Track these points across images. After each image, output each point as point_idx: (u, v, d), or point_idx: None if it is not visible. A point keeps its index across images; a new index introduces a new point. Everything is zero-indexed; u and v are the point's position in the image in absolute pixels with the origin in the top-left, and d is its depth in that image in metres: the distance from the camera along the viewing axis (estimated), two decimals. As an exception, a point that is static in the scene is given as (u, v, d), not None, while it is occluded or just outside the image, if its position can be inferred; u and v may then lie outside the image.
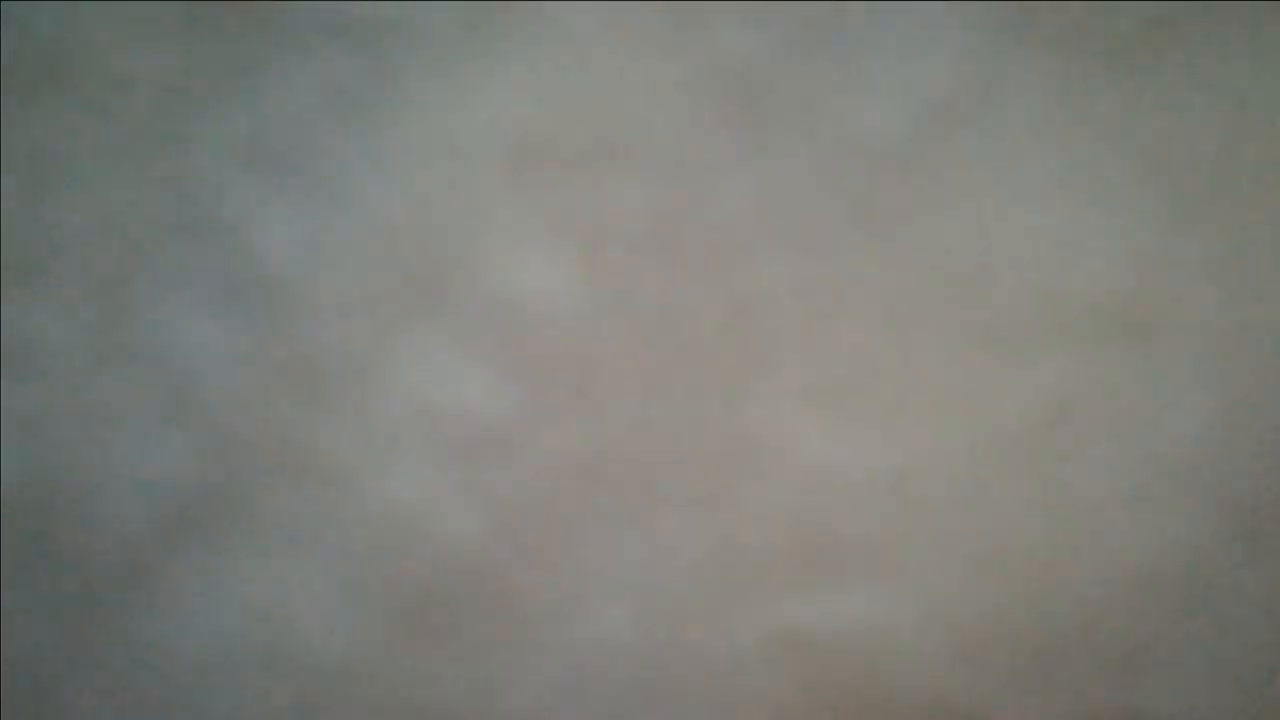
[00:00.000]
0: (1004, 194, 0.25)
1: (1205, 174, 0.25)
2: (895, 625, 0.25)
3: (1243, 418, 0.25)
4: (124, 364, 0.27)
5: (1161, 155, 0.25)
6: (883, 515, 0.25)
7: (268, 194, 0.27)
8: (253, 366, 0.27)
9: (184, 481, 0.27)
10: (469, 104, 0.27)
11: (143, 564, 0.27)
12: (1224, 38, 0.25)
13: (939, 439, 0.25)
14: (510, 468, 0.26)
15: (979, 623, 0.25)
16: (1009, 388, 0.25)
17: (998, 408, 0.25)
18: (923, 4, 0.25)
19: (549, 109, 0.26)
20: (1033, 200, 0.25)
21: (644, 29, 0.26)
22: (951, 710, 0.25)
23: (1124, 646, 0.25)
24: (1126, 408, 0.25)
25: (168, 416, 0.27)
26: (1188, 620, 0.25)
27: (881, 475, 0.25)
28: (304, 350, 0.27)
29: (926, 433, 0.25)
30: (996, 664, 0.25)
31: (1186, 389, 0.25)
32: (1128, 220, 0.25)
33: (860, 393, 0.26)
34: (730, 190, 0.26)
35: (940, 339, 0.25)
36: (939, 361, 0.26)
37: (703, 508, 0.26)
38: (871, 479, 0.25)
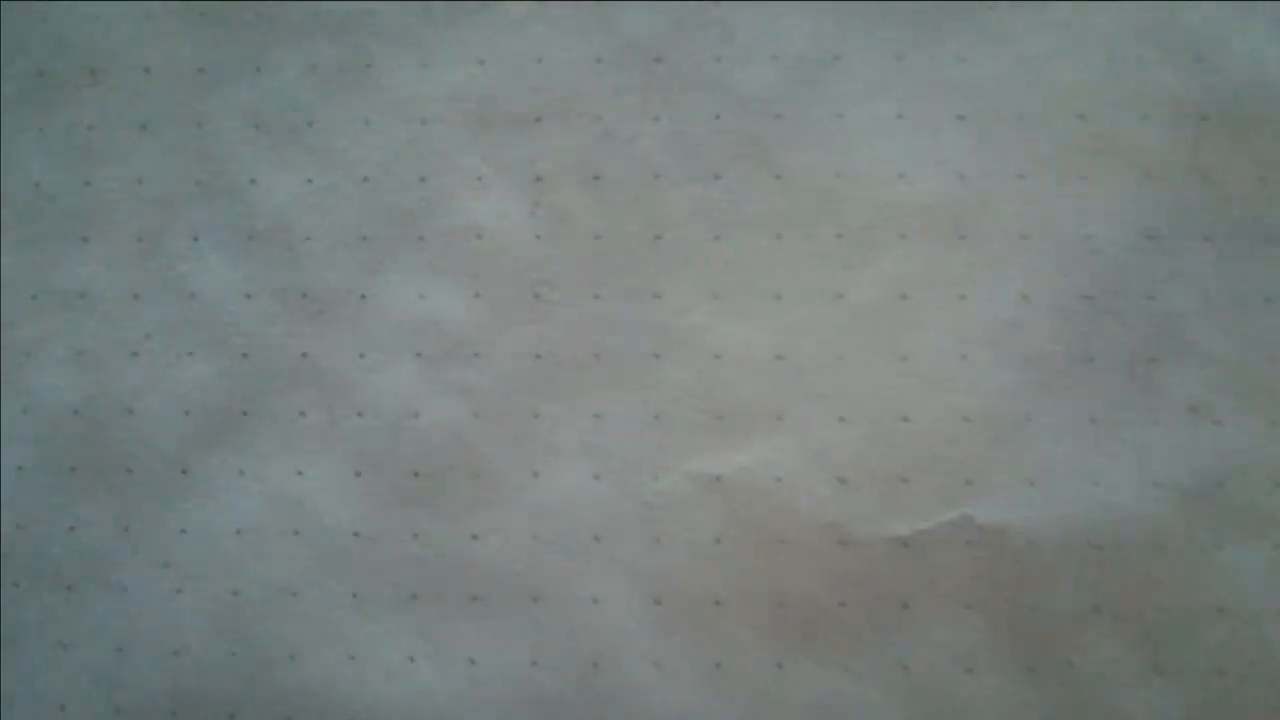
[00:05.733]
0: (852, 132, 0.30)
1: (1002, 112, 0.30)
2: (785, 466, 0.30)
3: (1037, 295, 0.30)
4: (157, 302, 0.31)
5: (969, 99, 0.30)
6: (771, 382, 0.30)
7: (270, 156, 0.31)
8: (264, 297, 0.31)
9: (212, 394, 0.31)
10: (432, 78, 0.31)
11: (182, 463, 0.31)
12: (1007, 9, 0.31)
13: (811, 321, 0.30)
14: (480, 364, 0.30)
15: (849, 460, 0.29)
16: (861, 279, 0.30)
17: (854, 294, 0.30)
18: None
19: (498, 79, 0.31)
20: (874, 136, 0.30)
21: (568, 16, 0.31)
22: (831, 528, 0.29)
23: (960, 471, 0.29)
24: (950, 290, 0.30)
25: (195, 342, 0.31)
26: (1006, 450, 0.29)
27: (769, 352, 0.30)
28: (306, 281, 0.31)
29: (801, 317, 0.30)
30: (865, 491, 0.29)
31: (994, 274, 0.30)
32: (946, 149, 0.30)
33: (750, 289, 0.30)
34: (643, 138, 0.31)
35: (808, 244, 0.30)
36: (808, 261, 0.30)
37: (633, 385, 0.30)
38: (761, 355, 0.30)
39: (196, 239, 0.31)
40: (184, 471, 0.31)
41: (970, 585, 0.29)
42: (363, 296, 0.31)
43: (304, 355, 0.31)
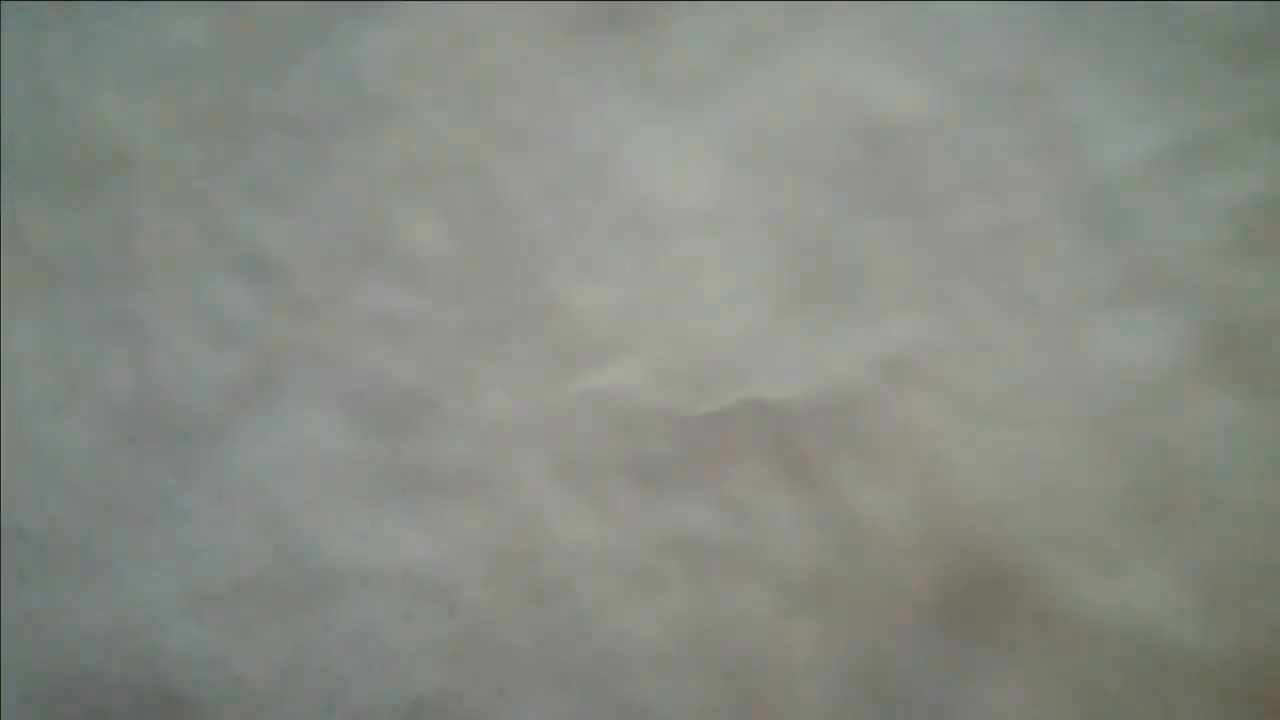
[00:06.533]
0: (658, 172, 0.47)
1: (761, 141, 0.48)
2: (637, 378, 0.43)
3: (780, 256, 0.47)
4: (194, 319, 0.43)
5: (735, 137, 0.48)
6: (624, 325, 0.44)
7: (265, 214, 0.44)
8: (268, 305, 0.44)
9: (242, 374, 0.43)
10: (378, 148, 0.46)
11: (220, 421, 0.43)
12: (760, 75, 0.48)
13: (643, 289, 0.44)
14: (429, 336, 0.44)
15: (675, 369, 0.43)
16: (670, 260, 0.46)
17: (668, 271, 0.47)
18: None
19: (436, 147, 0.46)
20: (674, 173, 0.47)
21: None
22: (667, 411, 0.43)
23: (745, 368, 0.46)
24: (727, 260, 0.45)
25: (228, 340, 0.43)
26: (771, 352, 0.46)
27: (619, 307, 0.44)
28: (297, 292, 0.44)
29: (637, 286, 0.44)
30: (686, 386, 0.44)
31: (753, 247, 0.47)
32: (712, 169, 0.47)
33: (606, 271, 0.45)
34: (521, 191, 0.46)
35: (639, 242, 0.46)
36: (639, 252, 0.46)
37: (537, 337, 0.45)
38: (616, 309, 0.44)
39: (214, 271, 0.44)
40: (221, 426, 0.43)
41: (756, 441, 0.43)
42: (342, 299, 0.44)
43: (304, 342, 0.43)
